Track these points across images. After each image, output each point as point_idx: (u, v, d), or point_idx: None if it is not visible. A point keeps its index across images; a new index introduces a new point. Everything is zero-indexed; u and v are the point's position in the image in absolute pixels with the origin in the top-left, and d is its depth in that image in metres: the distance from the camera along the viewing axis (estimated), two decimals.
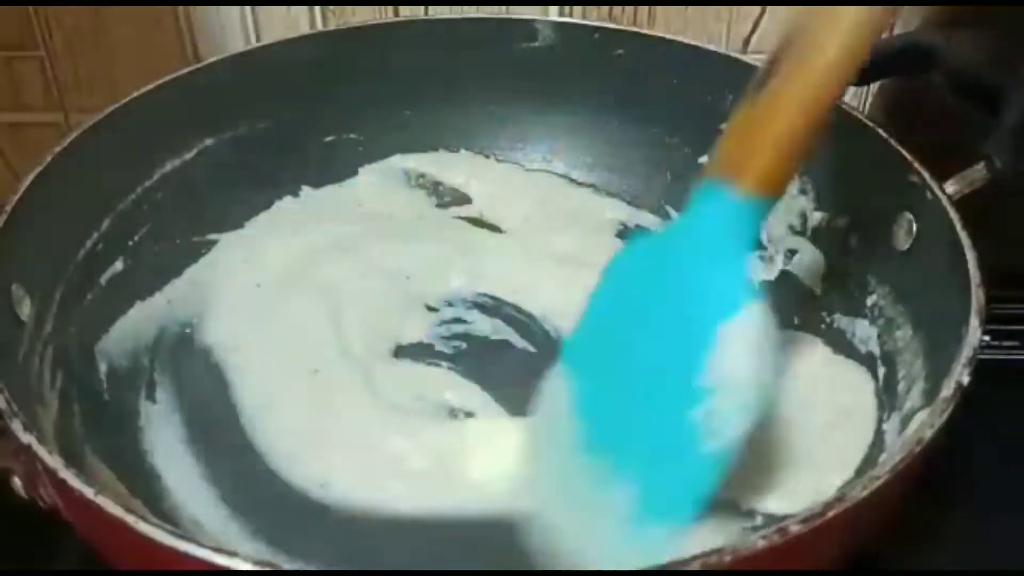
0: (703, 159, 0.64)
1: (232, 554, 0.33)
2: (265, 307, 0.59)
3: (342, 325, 0.57)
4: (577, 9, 0.70)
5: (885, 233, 0.52)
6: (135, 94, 0.57)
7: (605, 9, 0.70)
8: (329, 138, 0.67)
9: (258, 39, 0.71)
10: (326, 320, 0.57)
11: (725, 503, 0.46)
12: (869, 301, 0.53)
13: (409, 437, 0.51)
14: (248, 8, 0.70)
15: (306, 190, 0.66)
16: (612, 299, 0.48)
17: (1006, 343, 0.62)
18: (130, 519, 0.34)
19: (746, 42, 0.71)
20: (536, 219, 0.66)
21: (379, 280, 0.61)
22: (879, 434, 0.48)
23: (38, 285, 0.49)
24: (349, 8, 0.70)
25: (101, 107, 0.55)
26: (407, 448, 0.50)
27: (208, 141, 0.61)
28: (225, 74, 0.61)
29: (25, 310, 0.47)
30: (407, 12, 0.70)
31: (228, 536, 0.47)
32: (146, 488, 0.48)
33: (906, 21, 0.68)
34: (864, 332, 0.53)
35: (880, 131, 0.53)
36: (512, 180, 0.68)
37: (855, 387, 0.52)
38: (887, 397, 0.50)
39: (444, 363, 0.57)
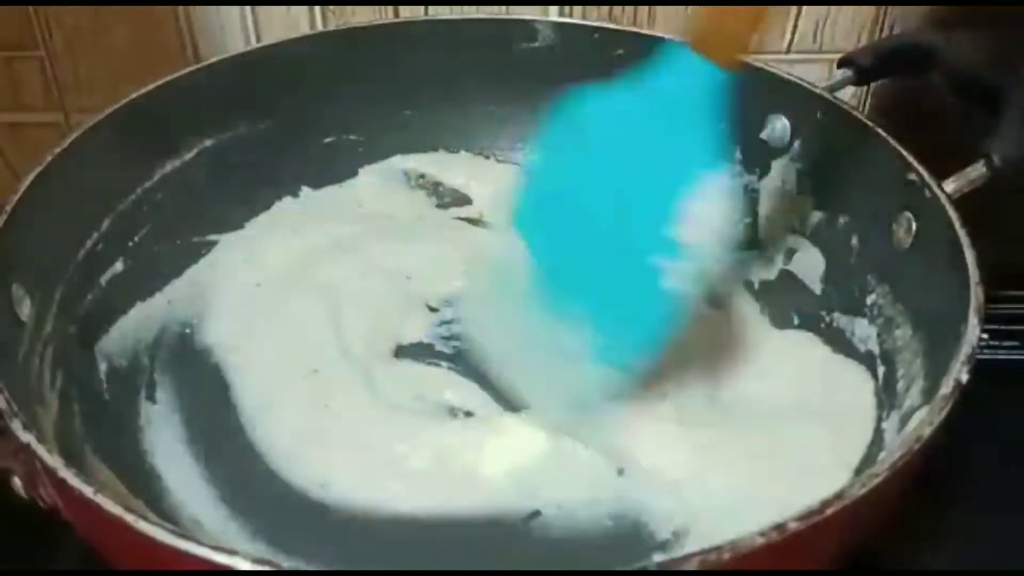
0: None
1: (232, 553, 0.33)
2: (265, 307, 0.59)
3: (342, 325, 0.57)
4: (577, 9, 0.70)
5: (884, 232, 0.52)
6: (135, 94, 0.57)
7: (605, 9, 0.70)
8: (329, 138, 0.67)
9: (258, 39, 0.71)
10: (326, 320, 0.57)
11: None
12: (868, 300, 0.53)
13: (409, 437, 0.51)
14: (248, 8, 0.70)
15: (306, 190, 0.66)
16: (566, 147, 0.49)
17: (1005, 343, 0.62)
18: (130, 518, 0.34)
19: None
20: None
21: (379, 280, 0.61)
22: (878, 432, 0.48)
23: (38, 285, 0.49)
24: (349, 8, 0.70)
25: (101, 107, 0.55)
26: (407, 448, 0.50)
27: (208, 141, 0.61)
28: (225, 74, 0.61)
29: (25, 310, 0.47)
30: (407, 12, 0.70)
31: (228, 536, 0.47)
32: (146, 488, 0.48)
33: (906, 21, 0.69)
34: (864, 331, 0.53)
35: (880, 131, 0.53)
36: (512, 180, 0.68)
37: (854, 386, 0.52)
38: (886, 396, 0.50)
39: (444, 363, 0.57)
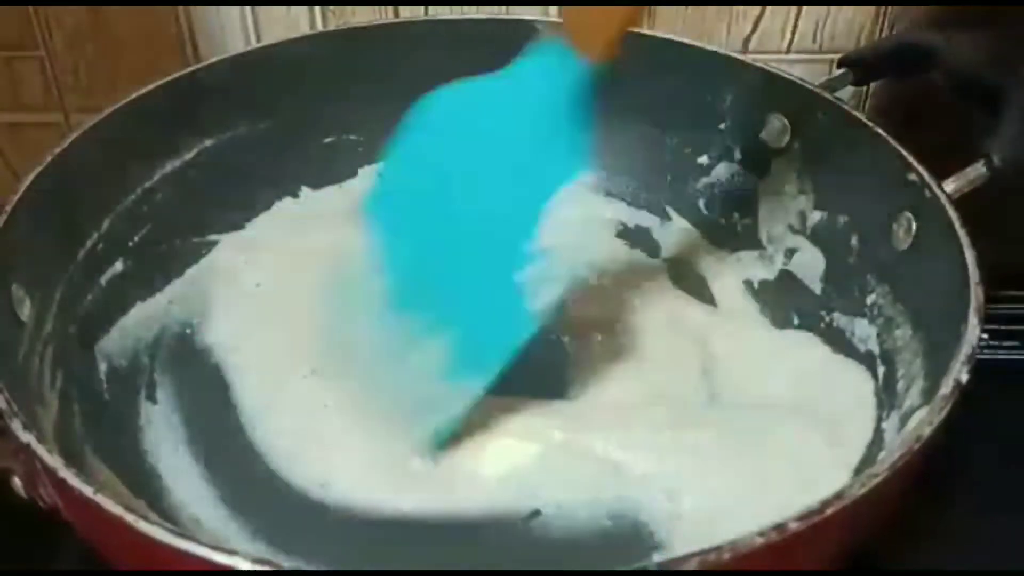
0: (703, 159, 0.65)
1: (232, 552, 0.33)
2: (265, 307, 0.59)
3: (342, 325, 0.57)
4: None
5: (884, 232, 0.52)
6: (135, 94, 0.57)
7: None
8: (329, 138, 0.67)
9: (258, 39, 0.71)
10: (326, 320, 0.57)
11: None
12: (868, 300, 0.53)
13: (409, 437, 0.51)
14: (248, 8, 0.70)
15: (306, 190, 0.66)
16: (425, 145, 0.48)
17: (1005, 343, 0.62)
18: (130, 518, 0.34)
19: (746, 42, 0.71)
20: None
21: (379, 280, 0.61)
22: (878, 432, 0.48)
23: (38, 285, 0.49)
24: (349, 8, 0.70)
25: (101, 107, 0.55)
26: (407, 448, 0.50)
27: (208, 141, 0.61)
28: (225, 74, 0.61)
29: (25, 310, 0.47)
30: (407, 12, 0.70)
31: (228, 536, 0.47)
32: (146, 488, 0.48)
33: (906, 21, 0.69)
34: (863, 331, 0.53)
35: (879, 130, 0.53)
36: None
37: (854, 386, 0.52)
38: (886, 396, 0.50)
39: None
